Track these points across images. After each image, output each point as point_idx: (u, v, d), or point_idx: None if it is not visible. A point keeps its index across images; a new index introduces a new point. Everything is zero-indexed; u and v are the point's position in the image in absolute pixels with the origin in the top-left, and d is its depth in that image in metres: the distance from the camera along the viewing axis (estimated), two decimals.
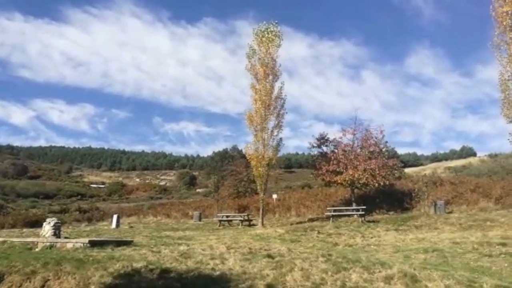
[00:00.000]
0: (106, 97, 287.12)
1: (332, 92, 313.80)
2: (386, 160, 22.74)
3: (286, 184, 71.49)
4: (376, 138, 23.44)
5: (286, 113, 23.10)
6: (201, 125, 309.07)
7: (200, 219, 28.33)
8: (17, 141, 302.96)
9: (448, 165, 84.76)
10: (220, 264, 8.73)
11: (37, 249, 13.46)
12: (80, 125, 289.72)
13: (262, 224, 22.00)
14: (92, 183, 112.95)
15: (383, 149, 23.57)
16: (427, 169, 78.61)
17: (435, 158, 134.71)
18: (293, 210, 27.82)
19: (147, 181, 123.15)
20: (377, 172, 21.63)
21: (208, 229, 21.71)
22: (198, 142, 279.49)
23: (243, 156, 31.18)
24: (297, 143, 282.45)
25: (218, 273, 7.97)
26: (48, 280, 8.85)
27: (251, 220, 24.12)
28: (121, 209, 42.09)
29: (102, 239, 14.43)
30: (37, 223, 29.55)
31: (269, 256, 10.09)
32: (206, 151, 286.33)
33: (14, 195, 72.34)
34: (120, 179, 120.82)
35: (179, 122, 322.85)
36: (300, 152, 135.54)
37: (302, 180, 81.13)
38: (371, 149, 23.10)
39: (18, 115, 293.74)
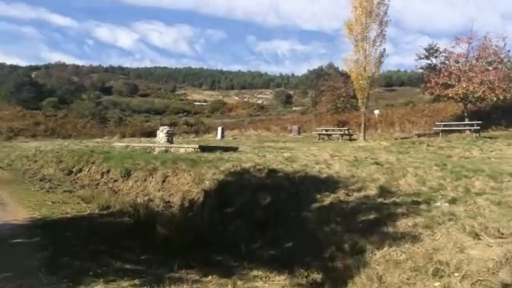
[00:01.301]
0: (202, 18, 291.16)
1: (439, 2, 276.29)
2: (507, 71, 19.77)
3: (386, 102, 67.95)
4: (496, 46, 20.26)
5: (390, 20, 20.85)
6: (295, 44, 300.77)
7: (299, 133, 28.58)
8: (126, 63, 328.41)
9: None
10: (326, 168, 8.65)
11: (154, 153, 14.88)
12: (180, 46, 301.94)
13: (364, 138, 21.34)
14: (195, 101, 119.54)
15: (505, 59, 20.41)
16: None
17: None
18: (396, 125, 26.45)
19: (245, 99, 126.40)
20: (496, 84, 18.97)
21: (307, 142, 21.79)
22: (292, 61, 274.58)
23: (340, 74, 29.76)
24: (398, 60, 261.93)
25: (325, 175, 7.91)
26: (168, 176, 9.72)
27: (352, 135, 23.54)
28: (224, 124, 44.27)
29: (210, 145, 15.36)
30: (151, 134, 32.69)
31: (377, 163, 9.74)
32: (301, 70, 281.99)
33: (130, 111, 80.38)
34: (220, 97, 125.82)
35: (273, 41, 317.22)
36: (401, 70, 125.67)
37: (404, 98, 76.14)
38: (490, 59, 20.11)
39: (124, 38, 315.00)
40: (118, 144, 18.72)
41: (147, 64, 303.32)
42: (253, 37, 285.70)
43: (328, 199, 6.28)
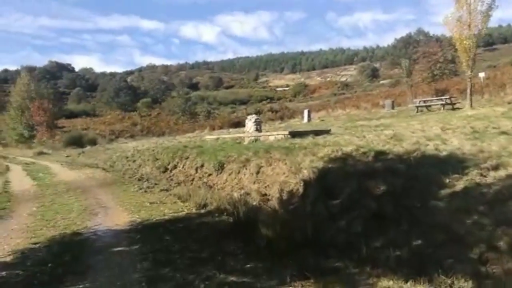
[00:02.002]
0: (280, 1, 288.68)
1: None
2: None
3: (488, 63, 60.83)
4: None
5: None
6: (377, 14, 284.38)
7: (393, 108, 26.43)
8: (210, 57, 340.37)
9: None
10: (442, 145, 7.35)
11: (244, 143, 14.55)
12: (259, 33, 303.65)
13: (471, 105, 18.84)
14: (277, 86, 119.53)
15: None
16: None
17: None
18: (508, 88, 23.11)
19: (328, 79, 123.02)
20: None
21: (404, 116, 19.87)
22: (375, 33, 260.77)
23: (432, 39, 26.61)
24: (499, 13, 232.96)
25: (444, 153, 6.65)
26: (262, 166, 9.15)
27: (454, 103, 20.98)
28: (308, 106, 43.12)
29: (300, 130, 14.57)
30: (239, 124, 33.04)
31: (504, 133, 8.13)
32: (385, 41, 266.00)
33: (217, 104, 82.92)
34: (302, 79, 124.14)
35: (353, 14, 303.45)
36: (503, 25, 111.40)
37: (507, 57, 67.59)
38: None
39: (207, 33, 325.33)
40: (209, 137, 18.84)
41: (230, 55, 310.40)
42: (332, 13, 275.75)
43: (460, 183, 5.13)
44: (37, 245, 5.49)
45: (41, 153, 31.30)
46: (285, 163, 8.44)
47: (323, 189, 6.40)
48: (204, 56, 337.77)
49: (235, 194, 8.42)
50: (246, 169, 9.61)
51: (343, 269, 4.00)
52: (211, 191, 9.17)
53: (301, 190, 7.06)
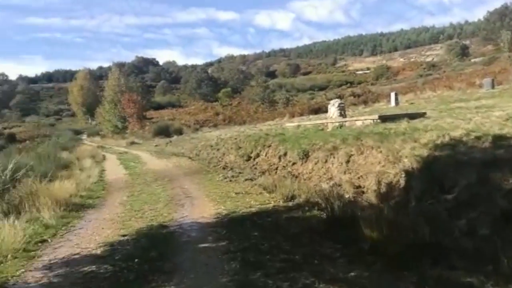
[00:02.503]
0: None
1: None
2: None
3: None
4: None
5: None
6: None
7: (493, 87, 23.50)
8: (286, 44, 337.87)
9: None
10: None
11: (328, 130, 13.73)
12: (335, 16, 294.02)
13: None
14: (357, 70, 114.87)
15: None
16: None
17: None
18: None
19: (412, 59, 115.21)
20: None
21: (510, 95, 17.45)
22: (463, 7, 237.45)
23: None
24: None
25: None
26: (352, 155, 8.38)
27: None
28: (393, 89, 40.48)
29: (392, 113, 13.37)
30: (319, 110, 31.96)
31: None
32: (475, 15, 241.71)
33: (295, 91, 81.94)
34: (383, 62, 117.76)
35: None
36: None
37: None
38: None
39: (282, 20, 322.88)
40: (290, 124, 18.29)
41: (306, 41, 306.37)
42: None
43: None
44: (125, 237, 5.41)
45: (133, 143, 33.29)
46: (380, 151, 7.59)
47: (432, 181, 5.50)
48: (279, 44, 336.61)
49: (324, 185, 7.78)
50: (334, 157, 8.90)
51: (478, 286, 3.18)
52: (298, 181, 8.63)
53: (402, 182, 6.22)
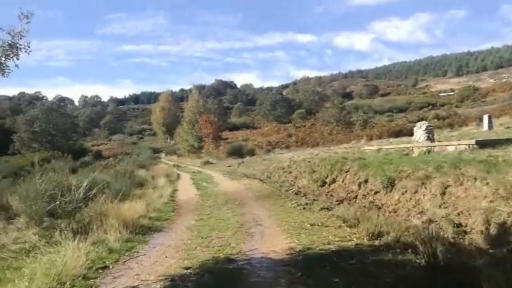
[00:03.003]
0: (440, 1, 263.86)
1: None
2: None
3: None
4: None
5: None
6: None
7: None
8: (364, 65, 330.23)
9: None
10: None
11: (413, 154, 12.42)
12: (416, 36, 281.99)
13: None
14: (439, 91, 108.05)
15: None
16: None
17: None
18: None
19: (504, 80, 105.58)
20: None
21: None
22: None
23: None
24: None
25: None
26: (448, 185, 7.17)
27: None
28: (483, 111, 36.92)
29: (492, 138, 11.72)
30: (400, 133, 29.93)
31: None
32: None
33: (372, 112, 78.87)
34: (470, 82, 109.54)
35: None
36: None
37: None
38: None
39: (360, 41, 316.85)
40: (368, 147, 17.06)
41: (385, 62, 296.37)
42: (507, 5, 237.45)
43: None
44: (188, 271, 4.88)
45: (207, 163, 33.88)
46: (486, 183, 6.35)
47: None
48: (357, 65, 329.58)
49: (416, 221, 6.67)
50: (425, 188, 7.74)
51: None
52: (382, 214, 7.58)
53: None
